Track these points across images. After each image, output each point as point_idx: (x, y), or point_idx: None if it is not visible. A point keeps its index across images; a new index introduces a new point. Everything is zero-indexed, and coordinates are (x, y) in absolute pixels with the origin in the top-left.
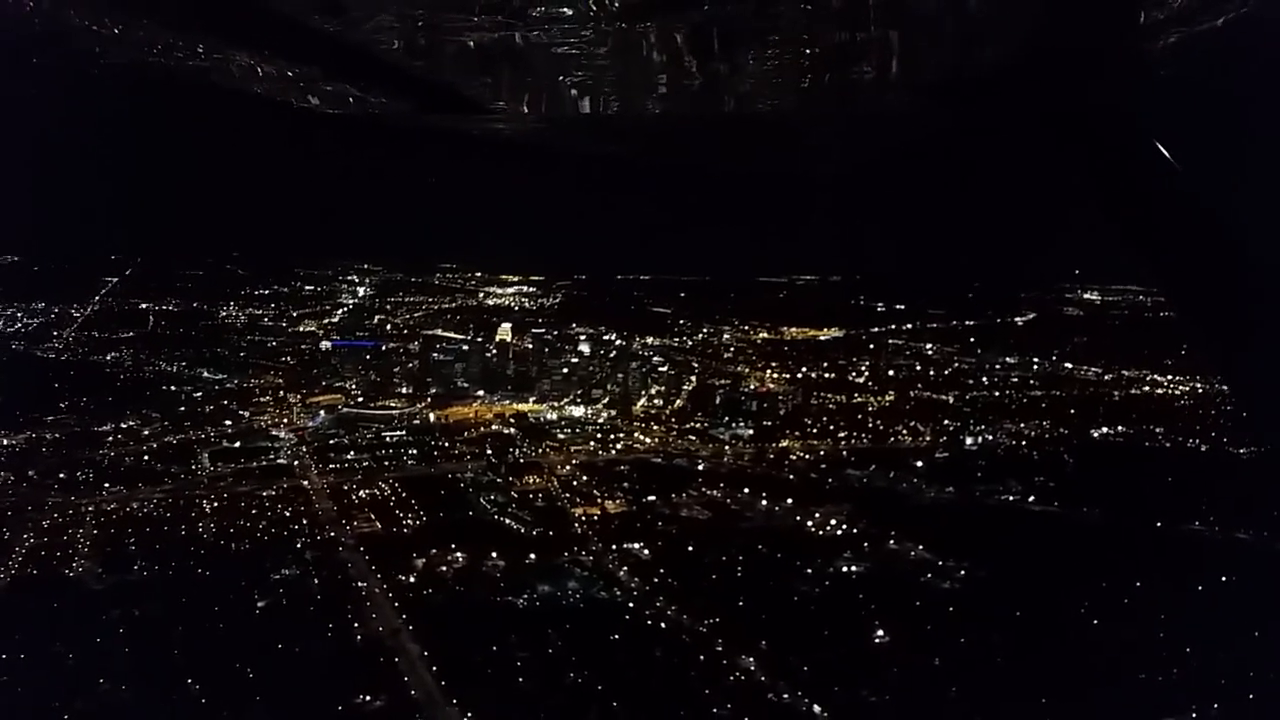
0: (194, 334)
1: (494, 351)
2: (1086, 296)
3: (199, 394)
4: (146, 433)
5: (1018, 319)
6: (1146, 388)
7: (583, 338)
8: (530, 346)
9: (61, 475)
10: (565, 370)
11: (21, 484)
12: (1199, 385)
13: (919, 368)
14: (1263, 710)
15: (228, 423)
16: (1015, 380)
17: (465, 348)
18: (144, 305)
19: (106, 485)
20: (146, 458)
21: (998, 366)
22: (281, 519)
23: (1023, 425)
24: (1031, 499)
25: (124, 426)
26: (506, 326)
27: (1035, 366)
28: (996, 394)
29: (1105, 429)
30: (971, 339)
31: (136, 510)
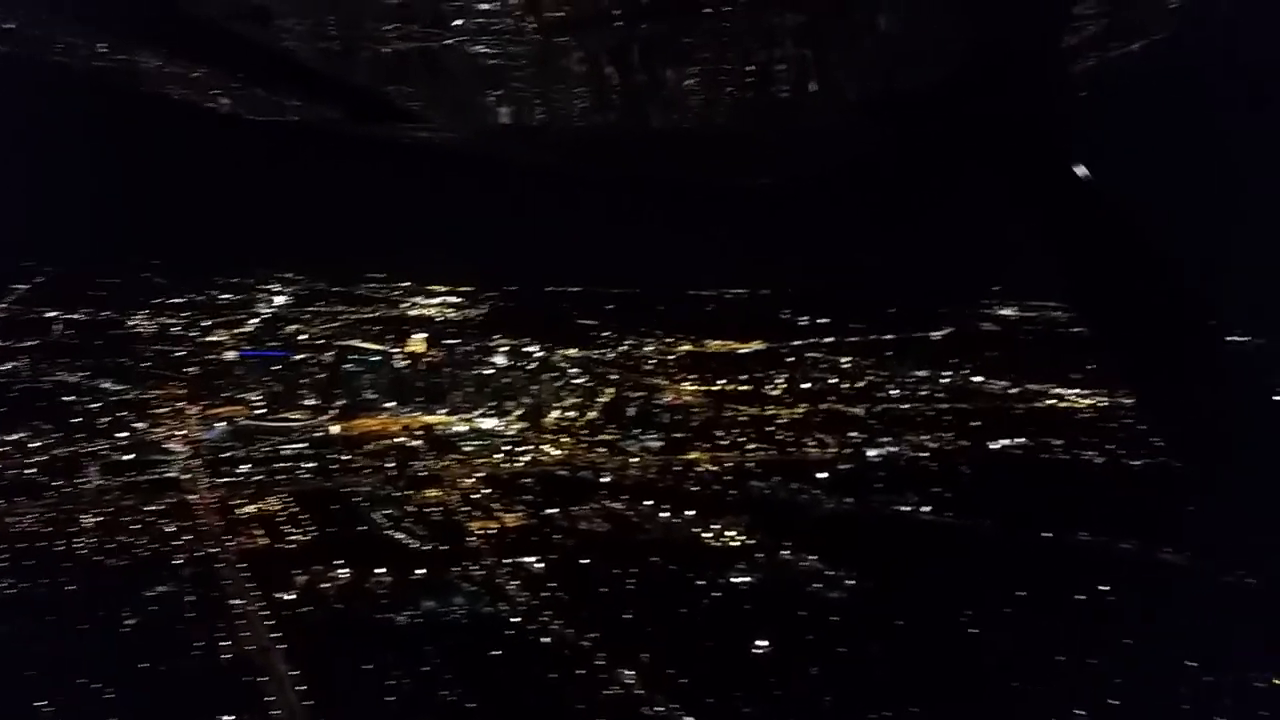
0: (99, 343)
1: (405, 363)
2: (1003, 312)
3: (96, 405)
4: (35, 445)
5: (934, 333)
6: (1050, 400)
7: (498, 349)
8: (442, 357)
9: None
10: (478, 382)
11: None
12: (1101, 399)
13: (833, 380)
14: (1147, 715)
15: (121, 435)
16: (924, 393)
17: (375, 358)
18: (51, 314)
19: None
20: (32, 471)
21: (909, 380)
22: (163, 535)
23: (925, 437)
24: (927, 509)
25: (11, 439)
26: (419, 337)
27: (945, 380)
28: (904, 407)
29: (1005, 441)
30: (887, 353)
31: (13, 525)
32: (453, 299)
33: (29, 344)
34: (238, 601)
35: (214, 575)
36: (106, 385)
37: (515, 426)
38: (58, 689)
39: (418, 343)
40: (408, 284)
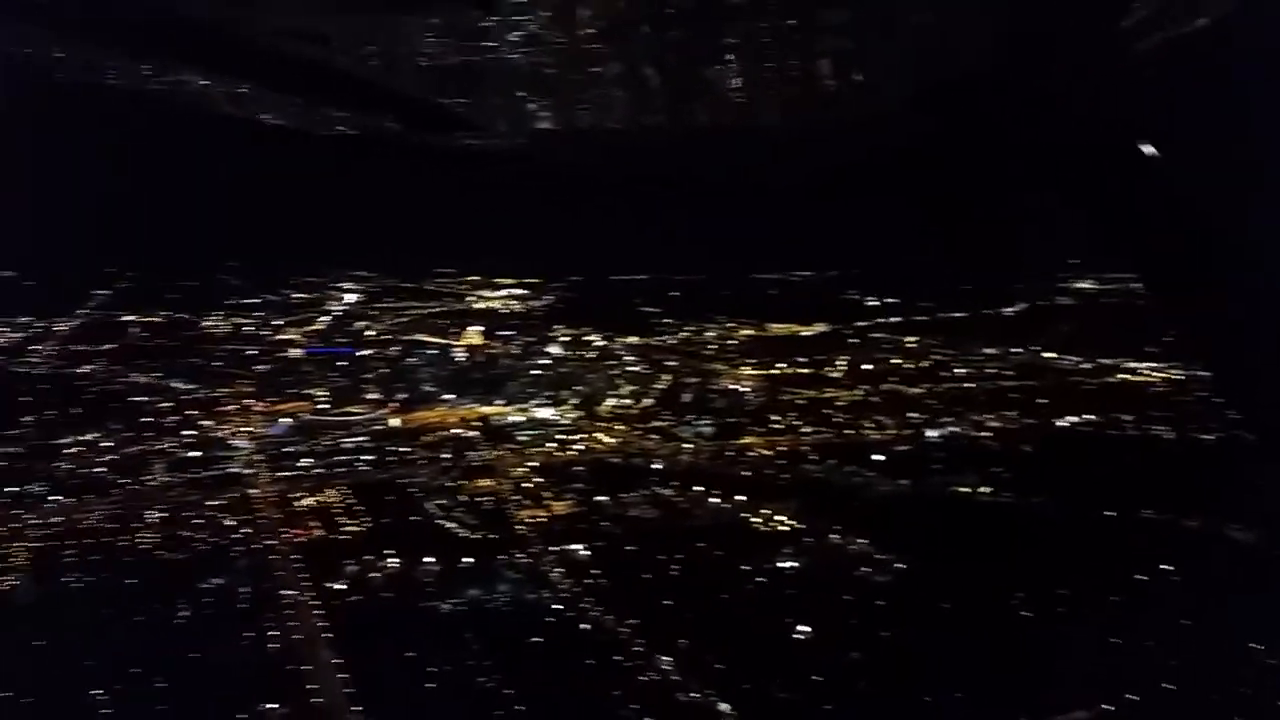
0: (173, 345)
1: (463, 355)
2: (1080, 285)
3: (166, 404)
4: (106, 444)
5: (1007, 309)
6: (1122, 375)
7: (556, 339)
8: (500, 349)
9: (12, 489)
10: (535, 372)
11: None
12: (1175, 372)
13: (896, 361)
14: (1205, 699)
15: (189, 433)
16: (991, 371)
17: (434, 352)
18: (128, 318)
19: (57, 498)
20: (101, 469)
21: (976, 358)
22: (223, 528)
23: (989, 416)
24: (987, 490)
25: (83, 439)
26: (476, 330)
27: (1015, 357)
28: (969, 385)
29: (1073, 418)
30: (956, 331)
31: (80, 522)
32: (517, 291)
33: (106, 347)
34: (289, 592)
35: (268, 567)
36: (177, 385)
37: (570, 415)
38: (113, 679)
39: (475, 335)
40: (474, 278)
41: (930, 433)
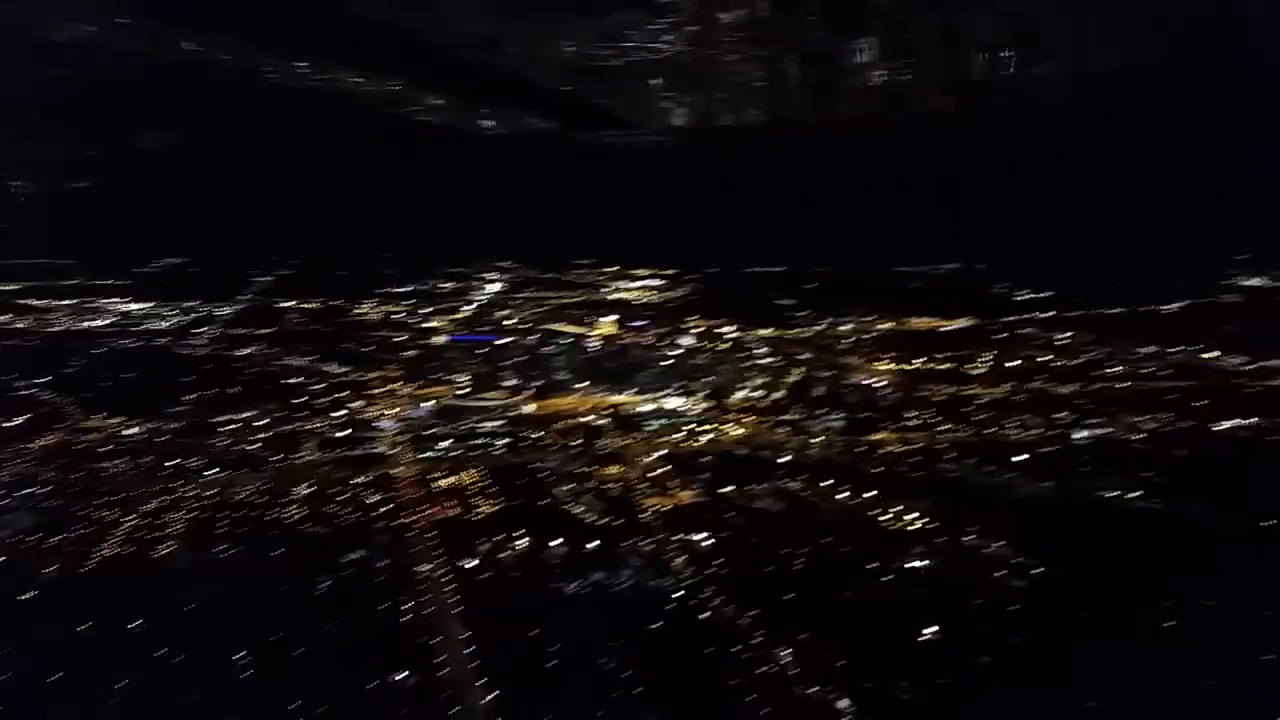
0: (327, 330)
1: (597, 345)
2: (1248, 283)
3: (319, 386)
4: (261, 424)
5: (1167, 306)
6: None
7: (688, 330)
8: (632, 340)
9: (172, 463)
10: (667, 363)
11: (131, 471)
12: None
13: (1044, 358)
14: None
15: (338, 414)
16: (1147, 370)
17: (569, 341)
18: (287, 304)
19: (213, 472)
20: (255, 447)
21: (1132, 356)
22: (365, 505)
23: (1142, 418)
24: (1136, 495)
25: (240, 418)
26: (610, 319)
27: (1173, 356)
28: (1121, 385)
29: (1232, 421)
30: (1110, 328)
31: (233, 496)
32: (654, 283)
33: (264, 331)
34: (424, 567)
35: (405, 543)
36: (330, 368)
37: (700, 406)
38: (253, 646)
39: (609, 325)
40: (612, 269)
41: (1077, 434)
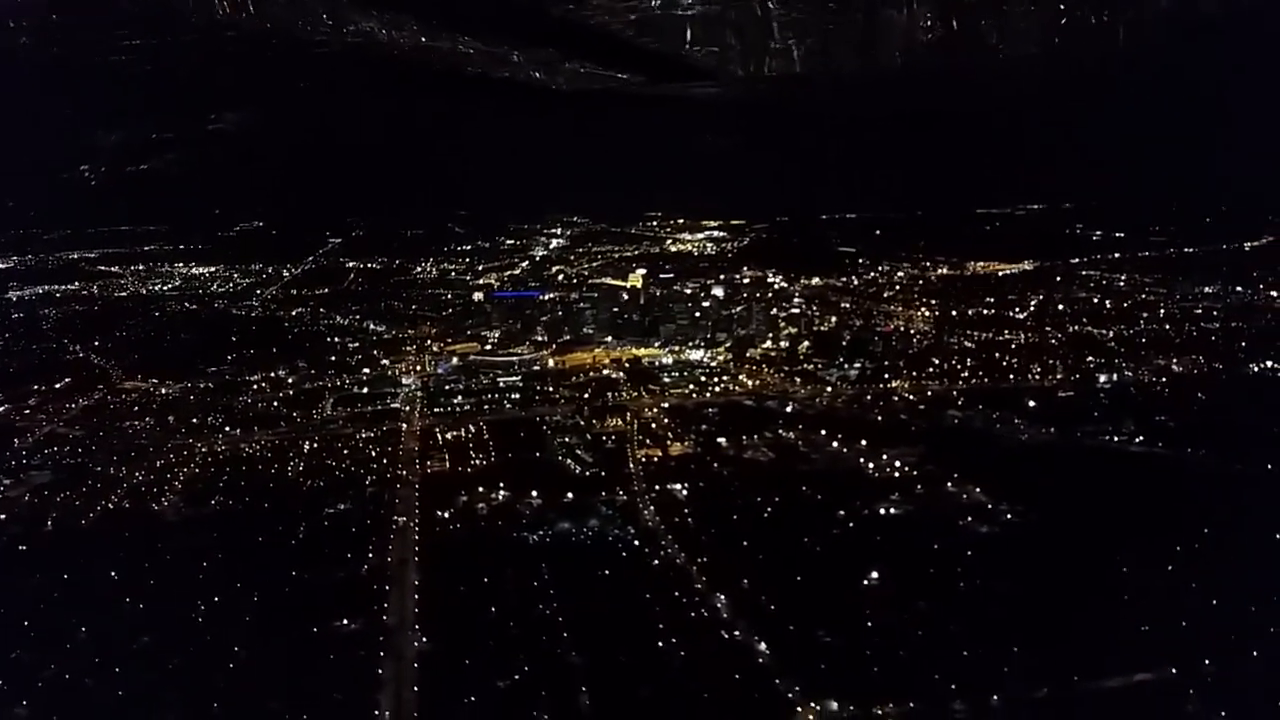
0: (381, 289)
1: (625, 297)
2: None
3: (355, 344)
4: (290, 381)
5: (1249, 243)
6: None
7: (720, 283)
8: (661, 292)
9: (194, 420)
10: (694, 315)
11: (156, 428)
12: None
13: (1097, 300)
14: None
15: (366, 371)
16: (1199, 312)
17: (597, 294)
18: (351, 264)
19: (229, 429)
20: (277, 404)
21: (1188, 297)
22: (364, 458)
23: (1173, 361)
24: (1139, 439)
25: (271, 376)
26: (639, 273)
27: (1231, 297)
28: (1166, 328)
29: (1269, 363)
30: (1180, 268)
31: (242, 451)
32: (718, 233)
33: (322, 291)
34: (400, 519)
35: (389, 495)
36: (371, 325)
37: (721, 358)
38: (214, 593)
39: (637, 278)
40: (680, 220)
41: (1101, 377)
